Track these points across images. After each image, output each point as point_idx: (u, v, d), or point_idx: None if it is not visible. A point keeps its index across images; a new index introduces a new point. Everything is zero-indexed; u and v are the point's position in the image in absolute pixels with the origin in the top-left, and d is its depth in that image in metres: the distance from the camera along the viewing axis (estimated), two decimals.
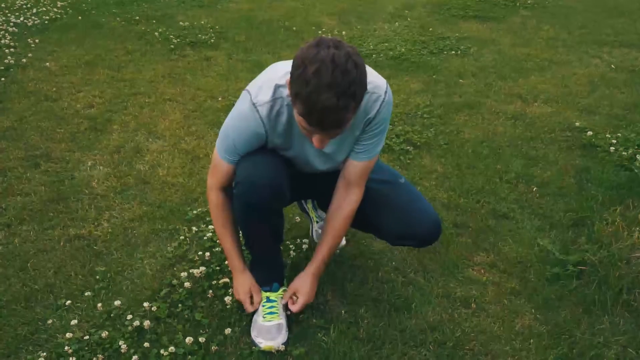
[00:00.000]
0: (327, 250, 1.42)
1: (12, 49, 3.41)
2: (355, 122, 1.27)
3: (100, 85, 3.00)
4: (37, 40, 3.59)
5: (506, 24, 4.20)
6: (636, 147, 2.35)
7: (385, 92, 1.28)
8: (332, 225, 1.41)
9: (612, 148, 2.34)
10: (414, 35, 3.88)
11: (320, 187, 1.48)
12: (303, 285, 1.40)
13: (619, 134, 2.47)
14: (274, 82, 1.25)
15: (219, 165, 1.35)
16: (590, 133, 2.48)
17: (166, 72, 3.19)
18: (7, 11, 4.16)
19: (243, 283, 1.43)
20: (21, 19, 3.97)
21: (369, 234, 1.64)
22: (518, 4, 4.66)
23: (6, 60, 3.22)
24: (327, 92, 1.03)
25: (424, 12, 4.48)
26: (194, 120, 2.63)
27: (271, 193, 1.29)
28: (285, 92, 1.22)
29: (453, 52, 3.59)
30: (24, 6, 4.29)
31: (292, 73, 1.09)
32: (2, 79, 2.99)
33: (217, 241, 1.67)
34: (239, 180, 1.30)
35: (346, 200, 1.38)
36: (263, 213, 1.33)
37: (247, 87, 1.29)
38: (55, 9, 4.23)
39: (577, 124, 2.61)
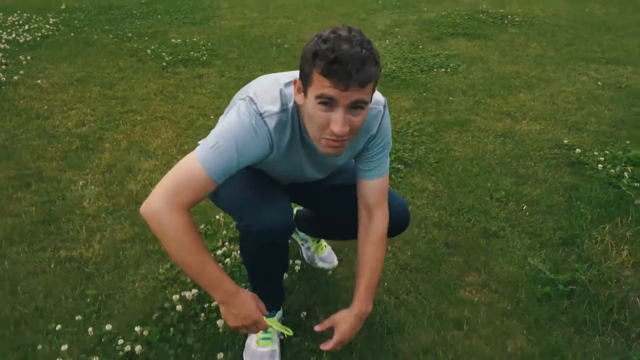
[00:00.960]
0: (367, 285, 1.29)
1: (3, 66, 3.41)
2: (356, 138, 1.23)
3: (92, 102, 3.00)
4: (28, 57, 3.59)
5: (494, 42, 4.25)
6: (623, 164, 2.38)
7: (384, 106, 1.27)
8: (365, 257, 1.31)
9: (600, 165, 2.37)
10: (405, 52, 3.93)
11: (310, 192, 1.45)
12: (343, 323, 1.27)
13: (607, 152, 2.51)
14: (278, 86, 1.17)
15: (199, 181, 1.12)
16: (578, 151, 2.51)
17: (158, 90, 3.20)
18: None
19: (249, 301, 1.22)
20: (13, 35, 3.97)
21: (344, 239, 1.66)
22: (506, 22, 4.72)
23: None
24: (348, 44, 1.00)
25: (414, 29, 4.53)
26: (186, 139, 2.63)
27: (284, 232, 1.25)
28: (291, 96, 1.16)
29: (443, 69, 3.63)
30: (16, 23, 4.30)
31: (304, 49, 1.05)
32: None
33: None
34: (250, 223, 1.22)
35: (372, 226, 1.31)
36: (275, 250, 1.30)
37: (248, 93, 1.17)
38: (47, 26, 4.24)
39: (565, 141, 2.64)
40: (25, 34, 4.03)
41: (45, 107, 2.93)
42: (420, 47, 4.07)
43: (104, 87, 3.21)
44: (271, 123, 1.14)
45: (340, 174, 1.43)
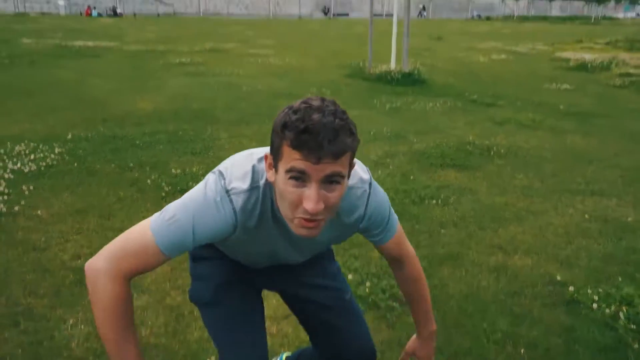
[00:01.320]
0: (425, 310, 1.43)
1: (5, 196, 3.50)
2: (341, 223, 1.19)
3: (89, 234, 3.04)
4: (31, 187, 3.69)
5: (482, 172, 4.44)
6: (618, 303, 2.38)
7: (370, 184, 1.21)
8: (411, 292, 1.42)
9: (594, 305, 2.37)
10: (396, 183, 4.07)
11: (295, 289, 1.48)
12: (420, 348, 1.44)
13: (600, 289, 2.52)
14: (251, 161, 1.13)
15: (148, 251, 1.07)
16: (572, 288, 2.53)
17: None
18: (5, 157, 4.32)
19: None
20: (18, 165, 4.12)
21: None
22: (492, 153, 4.96)
23: None
24: (320, 113, 0.95)
25: (404, 160, 4.73)
26: (180, 273, 2.63)
27: None
28: (263, 172, 1.10)
29: (434, 200, 3.74)
30: (23, 152, 4.47)
31: (275, 121, 1.00)
32: None
33: None
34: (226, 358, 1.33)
35: (407, 271, 1.38)
36: None
37: (219, 167, 1.15)
38: (52, 155, 4.41)
39: (558, 277, 2.66)
40: (30, 163, 4.18)
41: (43, 238, 2.96)
42: (412, 177, 4.23)
43: (102, 218, 3.27)
44: (238, 202, 1.08)
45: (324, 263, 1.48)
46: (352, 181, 1.13)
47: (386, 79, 8.95)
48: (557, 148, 5.25)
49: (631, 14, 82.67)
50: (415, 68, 9.22)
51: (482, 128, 5.99)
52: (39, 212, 3.31)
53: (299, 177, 0.97)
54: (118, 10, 47.64)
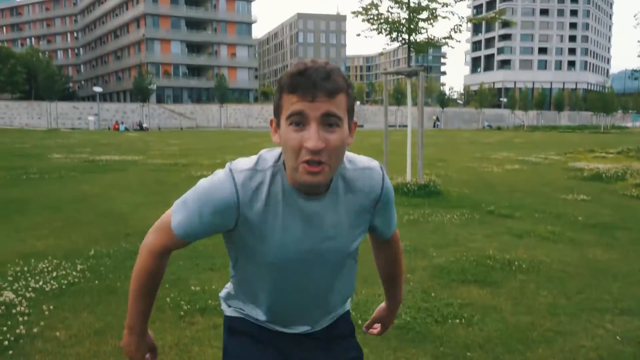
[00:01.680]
0: (400, 288, 1.66)
1: (25, 317, 3.50)
2: (358, 203, 1.27)
3: (106, 358, 2.99)
4: (51, 307, 3.70)
5: (505, 289, 4.35)
6: None
7: (381, 167, 1.34)
8: (394, 274, 1.61)
9: None
10: (417, 301, 4.00)
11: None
12: (386, 317, 1.67)
13: None
14: (260, 153, 1.24)
15: (166, 229, 1.26)
16: None
17: (174, 343, 3.20)
18: (28, 275, 4.37)
19: (143, 346, 1.44)
20: (40, 283, 4.16)
21: None
22: (514, 268, 4.89)
23: (17, 330, 3.26)
24: (312, 63, 1.08)
25: (424, 275, 4.68)
26: None
27: None
28: (271, 159, 1.20)
29: (457, 320, 3.64)
30: (45, 269, 4.53)
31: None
32: (10, 351, 3.00)
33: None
34: None
35: (391, 253, 1.55)
36: None
37: None
38: (74, 273, 4.45)
39: None
40: (52, 281, 4.22)
41: None
42: (433, 294, 4.15)
43: (119, 340, 3.22)
44: (239, 177, 1.16)
45: None
46: (366, 163, 1.29)
47: (402, 191, 9.10)
48: (579, 262, 5.17)
49: (639, 123, 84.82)
50: (430, 180, 9.41)
51: (501, 241, 5.96)
52: (57, 333, 3.28)
53: (299, 121, 1.07)
54: (144, 125, 50.32)
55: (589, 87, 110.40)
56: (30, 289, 4.03)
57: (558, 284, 4.51)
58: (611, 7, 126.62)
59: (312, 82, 1.05)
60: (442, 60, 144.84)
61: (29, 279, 4.27)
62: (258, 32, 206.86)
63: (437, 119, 69.22)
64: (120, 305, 3.81)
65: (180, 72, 74.50)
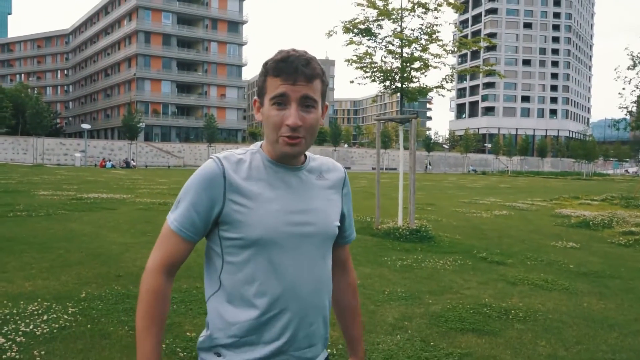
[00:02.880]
0: (359, 332, 1.58)
1: None
2: (329, 181, 1.42)
3: None
4: (42, 352, 3.58)
5: (503, 339, 4.32)
6: None
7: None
8: (350, 307, 1.56)
9: None
10: (417, 350, 3.95)
11: None
12: None
13: None
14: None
15: (168, 237, 1.30)
16: None
17: None
18: (17, 318, 4.25)
19: None
20: (30, 327, 4.04)
21: None
22: (511, 317, 4.88)
23: None
24: (295, 52, 1.26)
25: (422, 323, 4.64)
26: None
27: None
28: (254, 146, 1.36)
29: None
30: (35, 312, 4.41)
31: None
32: None
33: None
34: None
35: (350, 278, 1.56)
36: None
37: None
38: (65, 316, 4.34)
39: None
40: (43, 324, 4.10)
41: None
42: (432, 343, 4.11)
43: None
44: (220, 155, 1.29)
45: None
46: (325, 158, 1.46)
47: (394, 235, 9.12)
48: (575, 312, 5.17)
49: (620, 171, 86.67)
50: (422, 225, 9.44)
51: (495, 288, 5.96)
52: None
53: (281, 102, 1.24)
54: (132, 163, 50.13)
55: (570, 135, 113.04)
56: (20, 332, 3.91)
57: (556, 333, 4.50)
58: (590, 59, 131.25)
59: (294, 67, 1.23)
60: (428, 105, 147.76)
61: (19, 322, 4.14)
62: (248, 74, 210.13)
63: (429, 162, 70.19)
64: (114, 350, 3.71)
65: (170, 111, 74.87)
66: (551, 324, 4.75)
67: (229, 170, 1.27)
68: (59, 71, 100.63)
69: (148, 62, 73.37)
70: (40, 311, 4.45)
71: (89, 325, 4.19)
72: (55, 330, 4.03)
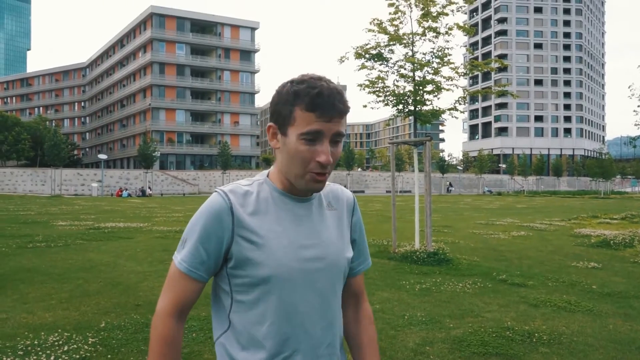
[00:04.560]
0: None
1: None
2: (338, 211, 1.37)
3: None
4: None
5: None
6: None
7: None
8: (365, 339, 1.42)
9: None
10: None
11: None
12: None
13: None
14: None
15: (176, 279, 1.23)
16: None
17: None
18: (39, 349, 4.26)
19: None
20: (52, 358, 4.05)
21: None
22: (534, 340, 4.77)
23: None
24: (324, 82, 1.17)
25: (444, 348, 4.56)
26: None
27: None
28: (251, 179, 1.29)
29: None
30: (56, 343, 4.42)
31: (278, 94, 1.21)
32: None
33: None
34: None
35: (364, 310, 1.46)
36: None
37: None
38: (85, 347, 4.35)
39: None
40: (64, 355, 4.11)
41: None
42: None
43: None
44: (225, 189, 1.24)
45: None
46: (331, 183, 1.40)
47: (412, 259, 9.03)
48: (600, 334, 5.05)
49: (638, 188, 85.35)
50: (439, 248, 9.35)
51: (517, 311, 5.85)
52: None
53: (313, 139, 1.16)
54: (147, 192, 50.63)
55: (586, 154, 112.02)
56: None
57: (582, 357, 4.39)
58: (603, 78, 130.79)
59: (332, 104, 1.16)
60: (441, 127, 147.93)
61: (40, 353, 4.16)
62: (261, 101, 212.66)
63: (450, 184, 69.82)
64: None
65: (184, 139, 75.86)
66: (577, 347, 4.64)
67: (235, 204, 1.22)
68: (76, 103, 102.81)
69: (162, 92, 74.71)
70: (61, 342, 4.46)
71: (109, 356, 4.19)
72: None
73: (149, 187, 52.39)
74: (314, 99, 1.15)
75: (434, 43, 9.07)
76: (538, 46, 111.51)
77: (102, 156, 53.32)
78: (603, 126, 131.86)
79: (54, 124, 64.92)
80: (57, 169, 49.78)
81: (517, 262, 9.54)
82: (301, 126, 1.16)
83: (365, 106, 10.10)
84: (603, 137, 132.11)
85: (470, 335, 4.87)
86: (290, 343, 1.24)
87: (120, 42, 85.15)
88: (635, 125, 21.22)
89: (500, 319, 5.49)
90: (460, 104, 9.46)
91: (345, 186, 57.95)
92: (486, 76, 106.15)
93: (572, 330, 5.13)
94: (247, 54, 79.83)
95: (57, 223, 16.30)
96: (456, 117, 9.88)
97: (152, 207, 28.24)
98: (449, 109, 9.29)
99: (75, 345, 4.37)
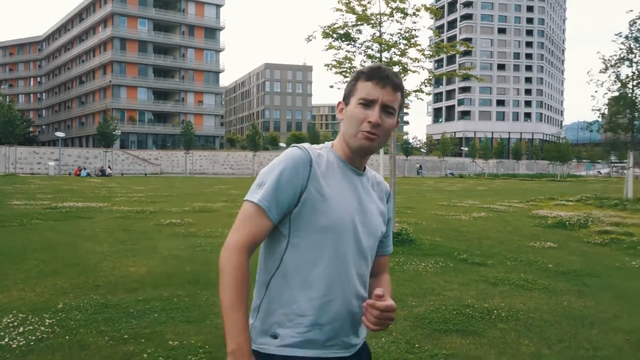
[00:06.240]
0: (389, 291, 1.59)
1: None
2: (379, 192, 1.59)
3: None
4: None
5: (487, 339, 4.34)
6: None
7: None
8: (387, 280, 1.64)
9: None
10: (402, 353, 3.95)
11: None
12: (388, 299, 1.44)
13: None
14: None
15: (251, 215, 1.36)
16: None
17: None
18: None
19: None
20: (6, 339, 3.92)
21: None
22: (493, 317, 4.91)
23: None
24: (385, 66, 1.45)
25: (406, 325, 4.64)
26: None
27: None
28: (328, 143, 1.52)
29: None
30: (11, 324, 4.28)
31: (348, 82, 1.50)
32: None
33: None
34: None
35: (385, 276, 1.65)
36: None
37: None
38: (42, 328, 4.22)
39: None
40: (19, 337, 3.98)
41: None
42: (417, 345, 4.11)
43: None
44: (304, 145, 1.43)
45: None
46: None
47: None
48: (555, 310, 5.23)
49: (592, 172, 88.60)
50: (402, 228, 9.48)
51: (477, 289, 6.00)
52: None
53: (367, 104, 1.40)
54: (107, 171, 49.37)
55: (544, 138, 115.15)
56: None
57: (538, 332, 4.54)
58: (563, 64, 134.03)
59: (386, 74, 1.42)
60: (405, 110, 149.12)
61: None
62: (225, 80, 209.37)
63: (420, 167, 70.56)
64: None
65: (146, 118, 74.06)
66: (533, 323, 4.79)
67: (314, 159, 1.41)
68: (31, 79, 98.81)
69: (124, 69, 72.53)
70: (15, 323, 4.32)
71: (67, 337, 4.09)
72: (32, 343, 3.92)
73: (109, 167, 51.09)
74: (373, 69, 1.43)
75: (401, 24, 9.05)
76: (502, 31, 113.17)
77: (60, 134, 51.58)
78: (562, 111, 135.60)
79: (7, 100, 62.17)
80: (12, 146, 47.85)
81: (477, 242, 9.77)
82: (360, 94, 1.42)
83: (332, 86, 10.05)
84: (561, 121, 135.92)
85: (432, 313, 4.97)
86: (335, 288, 1.43)
87: (79, 16, 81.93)
88: (592, 110, 21.89)
89: (461, 297, 5.61)
90: (425, 86, 9.53)
91: None
92: (451, 59, 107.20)
93: (529, 307, 5.30)
94: (212, 32, 78.15)
95: (11, 202, 15.73)
96: (422, 99, 9.94)
97: (112, 186, 27.57)
98: (415, 91, 9.34)
99: (31, 327, 4.24)
